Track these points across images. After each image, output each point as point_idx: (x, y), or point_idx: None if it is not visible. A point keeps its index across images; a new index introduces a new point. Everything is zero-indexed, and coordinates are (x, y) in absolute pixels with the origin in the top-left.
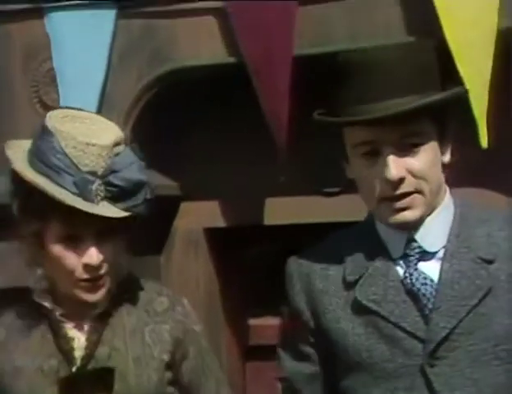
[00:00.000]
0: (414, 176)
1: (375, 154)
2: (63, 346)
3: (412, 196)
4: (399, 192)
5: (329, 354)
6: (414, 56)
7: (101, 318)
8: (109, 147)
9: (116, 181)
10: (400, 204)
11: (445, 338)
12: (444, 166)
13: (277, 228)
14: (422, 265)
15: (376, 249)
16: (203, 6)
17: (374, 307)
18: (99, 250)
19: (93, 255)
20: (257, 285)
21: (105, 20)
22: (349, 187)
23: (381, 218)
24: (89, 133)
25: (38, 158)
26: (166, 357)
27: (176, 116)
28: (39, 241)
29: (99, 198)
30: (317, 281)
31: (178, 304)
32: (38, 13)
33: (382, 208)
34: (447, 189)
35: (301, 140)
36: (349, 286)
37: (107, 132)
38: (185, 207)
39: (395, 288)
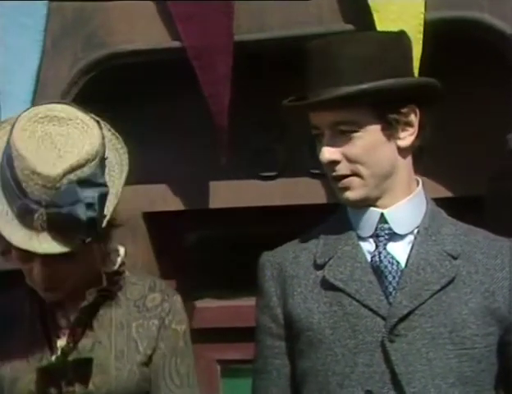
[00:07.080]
0: (349, 160)
1: (322, 137)
2: (48, 334)
3: (349, 178)
4: (334, 174)
5: (293, 338)
6: (358, 47)
7: (89, 309)
8: (55, 178)
9: (57, 217)
10: (340, 184)
11: (406, 317)
12: (403, 150)
13: (216, 212)
14: (390, 246)
15: (345, 232)
16: None
17: (341, 285)
18: (48, 270)
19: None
20: (197, 269)
21: (37, 3)
22: (285, 171)
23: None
24: (49, 151)
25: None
26: (150, 352)
27: (114, 101)
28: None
29: (40, 228)
30: (289, 268)
31: (167, 301)
32: None
33: (333, 187)
34: (420, 181)
35: (238, 125)
36: (319, 268)
37: (73, 150)
38: (123, 191)
39: (362, 268)
